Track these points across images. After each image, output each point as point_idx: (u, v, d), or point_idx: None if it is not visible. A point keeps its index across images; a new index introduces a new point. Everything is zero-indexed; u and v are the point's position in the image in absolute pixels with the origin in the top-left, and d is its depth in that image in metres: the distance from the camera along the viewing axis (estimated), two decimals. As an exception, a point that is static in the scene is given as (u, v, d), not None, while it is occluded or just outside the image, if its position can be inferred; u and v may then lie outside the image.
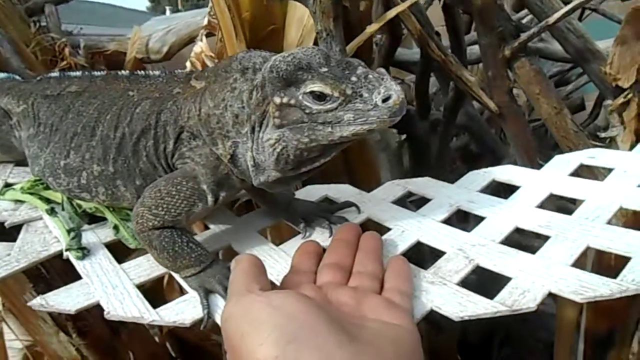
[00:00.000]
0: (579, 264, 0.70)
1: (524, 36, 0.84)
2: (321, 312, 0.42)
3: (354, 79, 0.49)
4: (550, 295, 0.51)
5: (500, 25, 0.84)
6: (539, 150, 0.98)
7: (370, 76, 0.49)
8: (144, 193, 0.58)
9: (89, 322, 0.86)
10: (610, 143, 0.94)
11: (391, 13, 0.84)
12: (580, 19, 2.02)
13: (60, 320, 0.85)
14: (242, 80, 0.54)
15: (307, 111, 0.49)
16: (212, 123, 0.56)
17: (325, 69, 0.50)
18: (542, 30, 0.84)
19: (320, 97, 0.48)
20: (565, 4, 0.86)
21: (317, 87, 0.48)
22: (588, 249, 0.55)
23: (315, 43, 0.80)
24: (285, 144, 0.51)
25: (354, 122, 0.49)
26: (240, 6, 0.90)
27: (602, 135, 0.89)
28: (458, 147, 2.18)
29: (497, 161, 1.63)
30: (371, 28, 0.83)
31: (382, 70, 0.51)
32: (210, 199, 0.58)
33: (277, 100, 0.50)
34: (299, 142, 0.50)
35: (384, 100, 0.48)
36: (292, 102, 0.49)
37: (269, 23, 0.93)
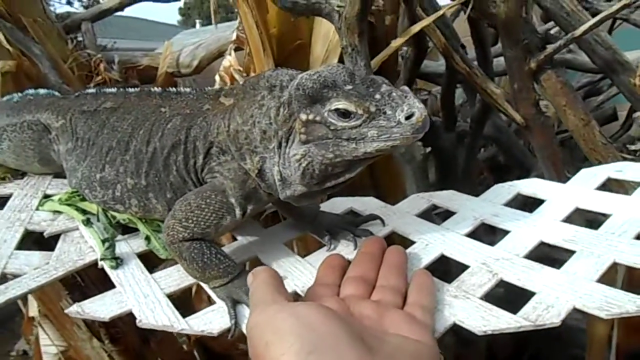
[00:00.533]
0: (608, 280, 0.69)
1: (550, 48, 0.84)
2: (343, 324, 0.43)
3: (377, 96, 0.50)
4: (576, 310, 0.50)
5: (526, 38, 0.84)
6: (570, 163, 0.96)
7: (394, 94, 0.50)
8: (175, 206, 0.60)
9: (121, 329, 0.89)
10: (641, 156, 0.93)
11: (415, 27, 0.85)
12: (611, 28, 1.99)
13: (93, 326, 0.88)
14: (269, 98, 0.56)
15: (332, 128, 0.51)
16: (240, 139, 0.58)
17: (350, 87, 0.51)
18: (569, 43, 0.83)
19: (344, 114, 0.50)
20: (593, 16, 0.86)
21: (341, 104, 0.50)
22: (614, 264, 0.54)
23: (341, 58, 0.82)
24: (311, 159, 0.52)
25: (378, 139, 0.50)
26: (267, 22, 0.93)
27: (632, 147, 0.87)
28: (486, 159, 2.16)
29: (525, 173, 1.61)
30: (396, 42, 0.84)
31: (406, 88, 0.52)
32: (238, 212, 0.59)
33: (303, 117, 0.52)
34: (324, 157, 0.52)
35: (407, 118, 0.49)
36: (318, 118, 0.51)
37: (295, 38, 0.95)
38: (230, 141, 0.59)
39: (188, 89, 0.70)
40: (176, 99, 0.68)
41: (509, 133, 1.73)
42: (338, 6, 0.75)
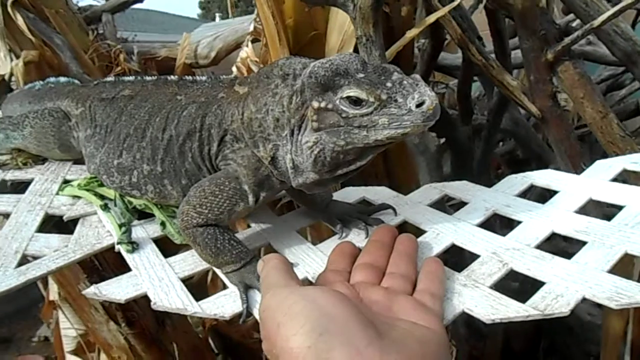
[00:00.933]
0: (624, 273, 0.68)
1: (567, 39, 0.83)
2: (353, 308, 0.43)
3: (389, 84, 0.51)
4: (587, 301, 0.50)
5: (543, 29, 0.83)
6: (589, 158, 0.95)
7: (405, 82, 0.51)
8: (189, 192, 0.61)
9: (137, 312, 0.91)
10: (660, 149, 0.91)
11: (431, 18, 0.84)
12: (635, 20, 1.95)
13: (110, 310, 0.90)
14: (282, 86, 0.56)
15: (343, 115, 0.51)
16: (254, 127, 0.59)
17: (362, 75, 0.52)
18: (587, 34, 0.82)
19: (356, 101, 0.50)
20: (613, 6, 0.84)
21: (353, 92, 0.50)
22: (626, 255, 0.54)
23: (356, 48, 0.82)
24: (323, 147, 0.53)
25: (389, 126, 0.50)
26: (283, 13, 0.93)
27: (651, 140, 0.86)
28: (504, 153, 2.14)
29: (543, 167, 1.59)
30: (411, 33, 0.84)
31: (417, 76, 0.52)
32: (251, 199, 0.60)
33: (315, 104, 0.52)
34: (336, 144, 0.52)
35: (418, 105, 0.49)
36: (330, 106, 0.52)
37: (311, 29, 0.95)
38: (244, 129, 0.60)
39: (204, 77, 0.71)
40: (192, 87, 0.70)
41: (527, 127, 1.71)
42: (353, -4, 0.75)
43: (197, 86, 0.69)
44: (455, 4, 0.83)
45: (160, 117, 0.69)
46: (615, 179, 0.68)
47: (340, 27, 0.91)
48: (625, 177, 0.76)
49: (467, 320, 1.34)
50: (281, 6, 0.92)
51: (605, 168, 0.70)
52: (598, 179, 0.69)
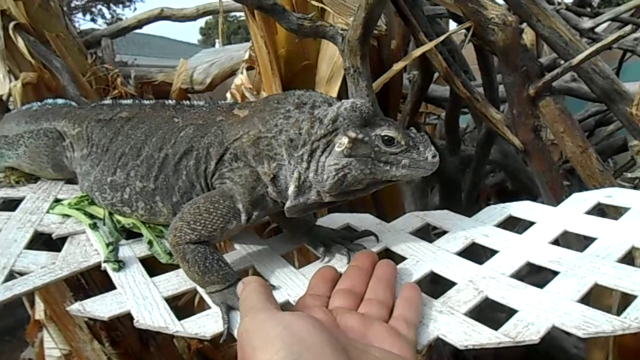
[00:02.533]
0: (605, 305, 0.70)
1: (547, 76, 0.86)
2: (328, 335, 0.45)
3: (412, 135, 0.61)
4: (556, 329, 0.52)
5: (525, 65, 0.86)
6: (579, 189, 0.97)
7: (422, 137, 0.61)
8: (183, 209, 0.63)
9: (122, 332, 0.91)
10: (639, 183, 0.94)
11: (417, 52, 0.88)
12: (621, 60, 2.00)
13: (95, 329, 0.90)
14: (297, 112, 0.62)
15: (375, 149, 0.59)
16: (261, 145, 0.63)
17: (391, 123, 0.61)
18: (566, 71, 0.85)
19: (389, 141, 0.59)
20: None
21: (391, 133, 0.59)
22: (596, 285, 0.56)
23: (345, 79, 0.85)
24: (349, 171, 0.59)
25: (408, 167, 0.59)
26: (276, 43, 0.97)
27: (629, 175, 0.89)
28: (494, 184, 2.17)
29: (532, 198, 1.62)
30: (397, 66, 0.87)
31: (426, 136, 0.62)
32: (243, 217, 0.63)
33: (353, 134, 0.59)
34: (362, 172, 0.59)
35: (433, 157, 0.60)
36: (366, 139, 0.59)
37: (303, 59, 0.99)
38: (248, 146, 0.64)
39: (201, 102, 0.74)
40: (189, 111, 0.73)
41: (515, 158, 1.74)
42: (342, 29, 0.78)
43: (195, 110, 0.72)
44: (440, 39, 0.87)
45: (156, 137, 0.71)
46: (590, 212, 0.70)
47: (330, 58, 0.95)
48: (605, 210, 0.79)
49: (454, 352, 1.34)
50: (274, 36, 0.95)
51: (581, 201, 0.73)
52: (573, 211, 0.71)
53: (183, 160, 0.68)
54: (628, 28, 0.87)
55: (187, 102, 0.76)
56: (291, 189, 0.61)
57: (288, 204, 0.62)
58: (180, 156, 0.68)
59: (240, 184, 0.63)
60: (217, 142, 0.66)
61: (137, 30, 1.65)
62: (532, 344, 0.50)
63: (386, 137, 0.59)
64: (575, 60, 0.83)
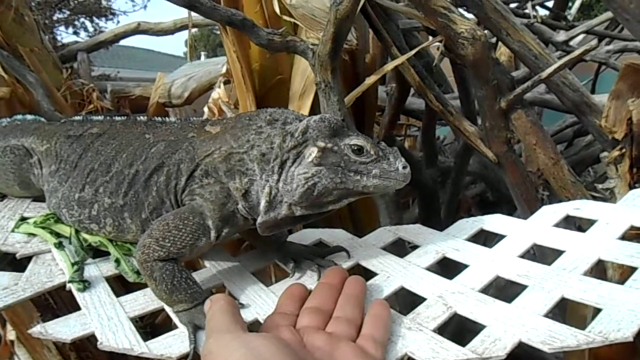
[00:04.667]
0: (580, 317, 0.69)
1: (518, 89, 0.87)
2: (294, 357, 0.45)
3: (382, 146, 0.62)
4: (522, 344, 0.52)
5: (495, 78, 0.87)
6: (558, 200, 0.97)
7: (392, 149, 0.62)
8: (152, 225, 0.62)
9: (92, 352, 0.89)
10: (611, 195, 0.95)
11: (388, 66, 0.88)
12: (597, 72, 2.04)
13: (64, 350, 0.88)
14: (269, 128, 0.63)
15: (345, 158, 0.59)
16: (232, 160, 0.63)
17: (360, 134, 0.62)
18: (536, 84, 0.86)
19: (359, 150, 0.59)
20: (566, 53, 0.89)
21: (360, 142, 0.60)
22: (563, 299, 0.56)
23: (317, 93, 0.85)
24: (319, 180, 0.59)
25: (379, 177, 0.60)
26: (250, 57, 0.97)
27: (600, 187, 0.89)
28: (474, 195, 2.18)
29: (513, 209, 1.63)
30: (370, 80, 0.87)
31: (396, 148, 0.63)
32: (213, 234, 0.62)
33: (322, 144, 0.59)
34: (332, 180, 0.59)
35: (403, 167, 0.60)
36: (335, 148, 0.60)
37: (276, 73, 0.99)
38: (219, 162, 0.64)
39: (173, 119, 0.75)
40: (160, 127, 0.72)
41: (495, 170, 1.75)
42: (312, 44, 0.79)
43: (166, 126, 0.72)
44: (411, 53, 0.87)
45: (127, 153, 0.71)
46: (559, 224, 0.71)
47: (303, 72, 0.95)
48: (578, 222, 0.79)
49: None
50: (247, 51, 0.95)
51: (550, 213, 0.73)
52: (543, 224, 0.71)
53: (154, 176, 0.67)
54: (594, 42, 0.89)
55: (159, 118, 0.75)
56: (262, 203, 0.61)
57: (260, 219, 0.62)
58: (151, 172, 0.67)
59: (210, 200, 0.63)
60: (188, 158, 0.66)
61: (121, 43, 1.64)
62: (514, 354, 0.50)
63: (355, 147, 0.59)
64: (544, 74, 0.84)
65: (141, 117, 0.77)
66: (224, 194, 0.63)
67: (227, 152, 0.63)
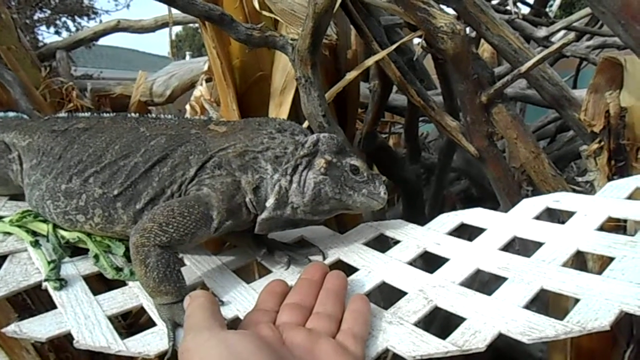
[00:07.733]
0: (562, 309, 0.69)
1: (498, 83, 0.87)
2: (272, 354, 0.44)
3: (373, 172, 0.70)
4: (502, 336, 0.52)
5: (476, 73, 0.87)
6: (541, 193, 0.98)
7: (378, 176, 0.70)
8: (155, 211, 0.61)
9: (72, 353, 0.88)
10: (591, 187, 0.96)
11: (368, 61, 0.88)
12: (578, 67, 2.06)
13: (43, 351, 0.87)
14: (280, 135, 0.69)
15: (344, 174, 0.67)
16: (247, 157, 0.67)
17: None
18: (516, 79, 0.87)
19: (356, 170, 0.68)
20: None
21: (358, 163, 0.68)
22: (542, 290, 0.56)
23: (297, 89, 0.84)
24: (324, 187, 0.66)
25: (366, 196, 0.67)
26: (230, 54, 0.96)
27: (580, 180, 0.90)
28: (459, 191, 2.19)
29: (497, 205, 1.64)
30: (350, 75, 0.87)
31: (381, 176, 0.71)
32: (214, 225, 0.63)
33: (329, 157, 0.67)
34: (333, 190, 0.66)
35: (384, 193, 0.69)
36: (338, 164, 0.67)
37: (257, 69, 0.98)
38: (233, 157, 0.67)
39: (169, 116, 0.77)
40: (155, 123, 0.75)
41: (479, 166, 1.76)
42: (292, 39, 0.78)
43: (162, 122, 0.75)
44: (391, 48, 0.87)
45: (120, 145, 0.71)
46: (539, 217, 0.71)
47: (284, 68, 0.94)
48: (559, 214, 0.79)
49: None
50: (227, 47, 0.94)
51: (530, 206, 0.73)
52: (523, 217, 0.71)
53: (155, 167, 0.68)
54: (571, 36, 0.89)
55: (151, 115, 0.78)
56: (271, 200, 0.65)
57: (264, 215, 0.65)
58: (153, 163, 0.68)
59: (220, 190, 0.64)
60: (198, 151, 0.68)
61: (105, 42, 1.64)
62: (498, 349, 0.50)
63: (353, 167, 0.68)
64: (524, 67, 0.84)
65: (132, 114, 0.78)
66: (234, 186, 0.65)
67: (242, 149, 0.67)
